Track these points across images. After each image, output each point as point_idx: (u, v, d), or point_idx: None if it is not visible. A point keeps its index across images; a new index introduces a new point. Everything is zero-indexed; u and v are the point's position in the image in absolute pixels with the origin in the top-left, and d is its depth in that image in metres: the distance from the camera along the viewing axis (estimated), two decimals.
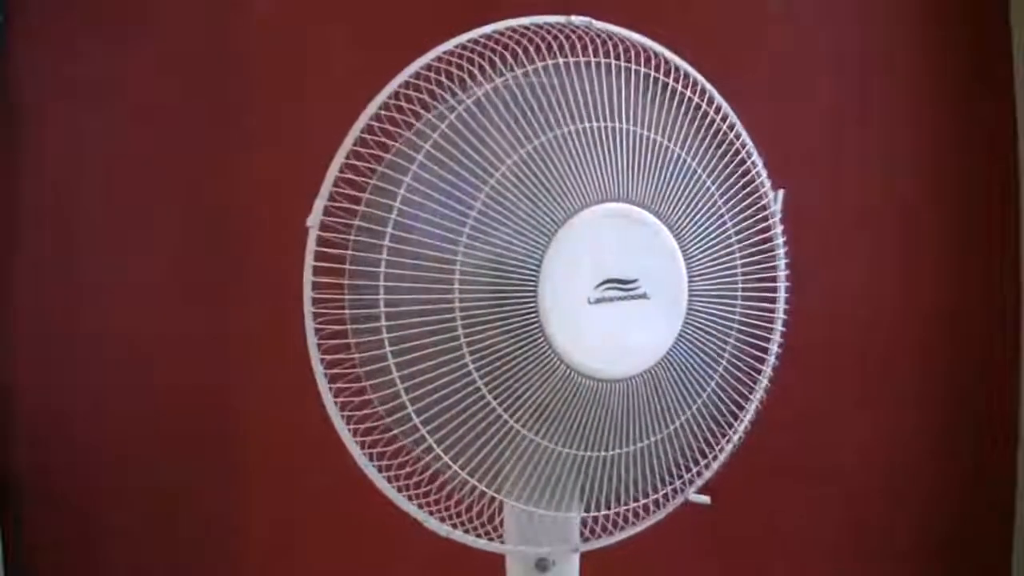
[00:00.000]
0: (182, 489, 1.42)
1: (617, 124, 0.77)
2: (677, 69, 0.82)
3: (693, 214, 0.79)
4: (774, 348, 0.86)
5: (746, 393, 0.85)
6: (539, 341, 0.74)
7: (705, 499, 0.86)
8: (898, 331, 1.39)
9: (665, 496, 0.83)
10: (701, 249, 0.80)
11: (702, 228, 0.80)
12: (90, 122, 1.41)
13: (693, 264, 0.79)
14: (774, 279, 0.86)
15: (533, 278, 0.74)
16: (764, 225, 0.85)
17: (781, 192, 0.87)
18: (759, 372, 0.85)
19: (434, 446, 0.75)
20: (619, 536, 0.82)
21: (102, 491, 1.42)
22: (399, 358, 0.73)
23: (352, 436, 0.76)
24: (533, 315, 0.74)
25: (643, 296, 0.77)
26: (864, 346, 1.39)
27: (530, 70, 0.76)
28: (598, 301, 0.76)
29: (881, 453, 1.40)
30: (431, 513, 0.78)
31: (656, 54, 0.81)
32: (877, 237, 1.39)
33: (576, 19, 0.79)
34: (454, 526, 0.78)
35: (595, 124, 0.76)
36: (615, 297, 0.76)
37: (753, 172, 0.84)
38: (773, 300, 0.85)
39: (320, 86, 1.39)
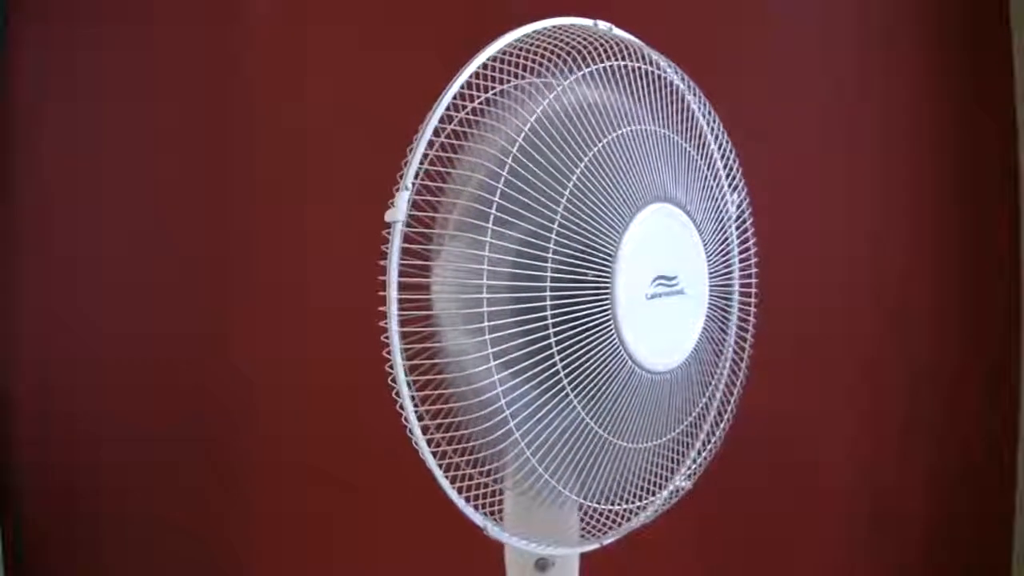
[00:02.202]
0: (182, 489, 1.43)
1: (651, 127, 0.80)
2: (675, 70, 0.84)
3: (710, 216, 0.84)
4: (749, 339, 0.90)
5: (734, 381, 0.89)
6: (611, 335, 0.75)
7: (688, 484, 0.88)
8: (898, 330, 1.41)
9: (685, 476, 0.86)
10: (714, 249, 0.84)
11: (716, 229, 0.84)
12: (89, 122, 1.42)
13: (710, 262, 0.84)
14: (750, 276, 0.90)
15: (609, 273, 0.75)
16: (745, 227, 0.88)
17: (736, 195, 0.90)
18: (741, 362, 0.89)
19: (525, 449, 0.75)
20: (623, 531, 0.84)
21: (102, 491, 1.43)
22: (498, 359, 0.72)
23: (428, 446, 0.73)
24: (608, 311, 0.75)
25: (681, 292, 0.81)
26: (863, 344, 1.41)
27: (587, 73, 0.78)
28: (652, 296, 0.78)
29: (880, 452, 1.41)
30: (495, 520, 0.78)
31: (653, 60, 0.83)
32: (876, 236, 1.41)
33: (601, 24, 0.82)
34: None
35: (640, 127, 0.79)
36: (663, 293, 0.79)
37: (739, 176, 0.88)
38: (749, 295, 0.90)
39: (321, 86, 1.40)
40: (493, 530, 0.77)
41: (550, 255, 0.73)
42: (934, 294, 1.40)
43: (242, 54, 1.43)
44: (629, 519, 0.84)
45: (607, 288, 0.75)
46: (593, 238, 0.75)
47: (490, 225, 0.72)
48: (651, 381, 0.79)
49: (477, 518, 0.76)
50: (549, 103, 0.75)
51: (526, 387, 0.74)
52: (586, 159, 0.75)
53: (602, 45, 0.80)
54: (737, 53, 1.37)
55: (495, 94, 0.75)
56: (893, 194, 1.40)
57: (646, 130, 0.79)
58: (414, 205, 0.72)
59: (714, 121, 0.87)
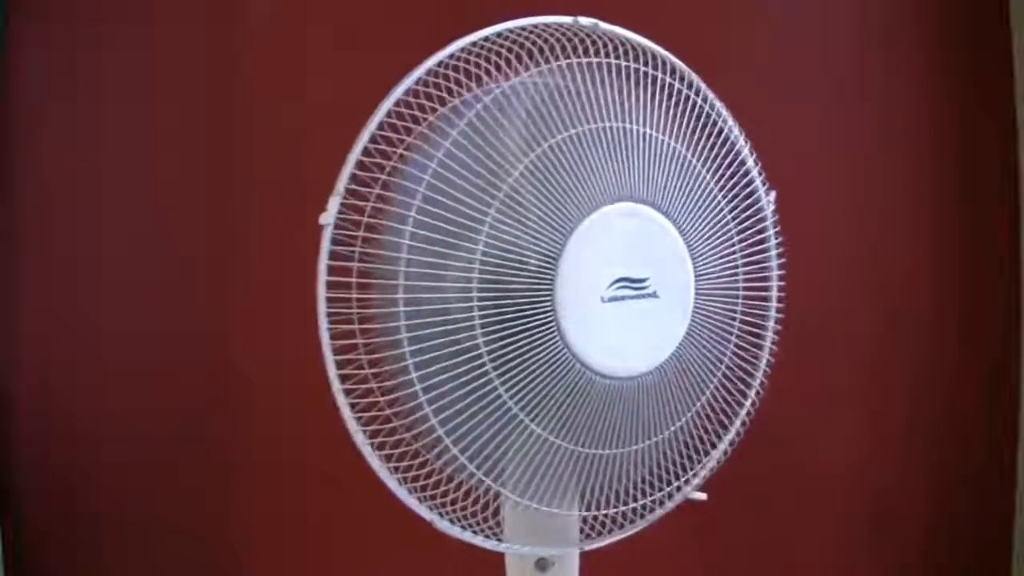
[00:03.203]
0: (182, 489, 1.44)
1: (627, 124, 0.79)
2: (675, 70, 0.84)
3: (698, 214, 0.82)
4: (767, 346, 0.89)
5: (744, 390, 0.88)
6: (555, 339, 0.76)
7: (701, 496, 0.89)
8: (897, 330, 1.41)
9: (666, 495, 0.85)
10: (706, 249, 0.83)
11: (707, 228, 0.83)
12: (89, 122, 1.42)
13: (699, 263, 0.83)
14: (768, 279, 0.89)
15: (550, 276, 0.76)
16: (762, 226, 0.88)
17: (773, 194, 0.91)
18: (756, 369, 0.89)
19: (451, 446, 0.77)
20: (619, 535, 0.84)
21: (102, 491, 1.44)
22: (417, 358, 0.75)
23: (366, 438, 0.77)
24: (550, 313, 0.76)
25: (653, 295, 0.80)
26: (863, 344, 1.42)
27: (544, 69, 0.78)
28: (611, 300, 0.78)
29: (879, 452, 1.42)
30: (442, 515, 0.79)
31: (655, 55, 0.83)
32: (876, 236, 1.41)
33: (583, 20, 0.81)
34: (462, 527, 0.80)
35: (607, 124, 0.78)
36: (627, 296, 0.79)
37: (752, 173, 0.87)
38: (768, 300, 0.89)
39: (321, 86, 1.41)
40: (441, 524, 0.79)
41: (478, 256, 0.74)
42: (934, 294, 1.41)
43: (242, 54, 1.44)
44: (633, 521, 0.85)
45: (547, 290, 0.75)
46: (529, 240, 0.75)
47: (409, 227, 0.74)
48: (612, 387, 0.79)
49: (424, 511, 0.79)
50: (486, 104, 0.76)
51: (451, 384, 0.75)
52: (527, 160, 0.75)
53: (582, 42, 0.80)
54: (736, 53, 1.38)
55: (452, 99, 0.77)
56: (893, 194, 1.40)
57: (614, 128, 0.78)
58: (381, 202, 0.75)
59: (723, 121, 0.86)
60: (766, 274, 0.89)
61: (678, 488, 0.86)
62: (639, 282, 0.80)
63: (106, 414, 1.43)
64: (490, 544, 0.82)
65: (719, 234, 0.84)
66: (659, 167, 0.81)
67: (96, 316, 1.44)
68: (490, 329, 0.75)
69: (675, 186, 0.81)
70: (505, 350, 0.75)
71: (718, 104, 0.86)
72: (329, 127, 1.40)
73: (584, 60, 0.80)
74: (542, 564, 0.86)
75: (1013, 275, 1.38)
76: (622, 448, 0.81)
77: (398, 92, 0.77)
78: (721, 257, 0.84)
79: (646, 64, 0.83)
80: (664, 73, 0.83)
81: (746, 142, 0.87)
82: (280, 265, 1.41)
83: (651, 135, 0.80)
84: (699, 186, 0.83)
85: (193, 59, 1.43)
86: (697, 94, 0.85)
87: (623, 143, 0.79)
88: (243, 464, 1.45)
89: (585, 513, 0.83)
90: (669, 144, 0.81)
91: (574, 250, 0.76)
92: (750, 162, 0.87)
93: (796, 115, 1.38)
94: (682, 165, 0.82)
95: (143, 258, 1.44)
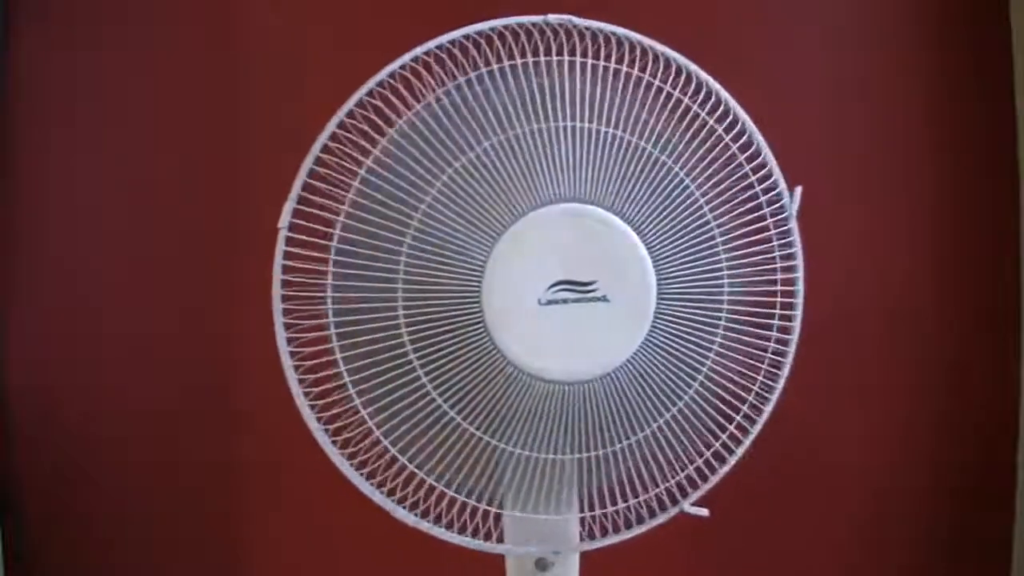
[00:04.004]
0: (183, 489, 1.43)
1: (579, 123, 0.76)
2: (657, 60, 0.80)
3: (665, 214, 0.77)
4: (768, 357, 0.83)
5: (735, 403, 0.82)
6: (484, 342, 0.75)
7: (703, 511, 0.84)
8: (896, 330, 1.39)
9: (659, 505, 0.82)
10: (674, 251, 0.77)
11: (676, 230, 0.78)
12: (89, 122, 1.43)
13: (664, 267, 0.77)
14: (774, 283, 0.83)
15: (476, 279, 0.74)
16: (760, 225, 0.81)
17: (798, 190, 0.85)
18: (750, 383, 0.82)
19: (389, 447, 0.79)
20: (619, 537, 0.83)
21: (102, 492, 1.44)
22: (349, 364, 0.77)
23: (328, 439, 0.82)
24: (477, 315, 0.74)
25: (602, 299, 0.75)
26: (861, 345, 1.39)
27: (484, 73, 0.77)
28: (550, 303, 0.75)
29: (879, 453, 1.40)
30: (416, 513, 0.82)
31: (637, 46, 0.80)
32: (875, 236, 1.39)
33: (552, 17, 0.79)
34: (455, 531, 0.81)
35: (552, 124, 0.76)
36: (569, 299, 0.75)
37: (746, 170, 0.81)
38: (771, 306, 0.82)
39: (321, 85, 1.38)
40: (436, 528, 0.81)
41: (403, 258, 0.74)
42: (934, 294, 1.38)
43: (243, 54, 1.43)
44: (630, 527, 0.83)
45: (474, 291, 0.74)
46: (455, 241, 0.74)
47: (336, 232, 0.77)
48: (554, 391, 0.76)
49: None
50: (426, 107, 0.76)
51: (381, 379, 0.76)
52: (457, 164, 0.75)
53: (544, 41, 0.78)
54: (736, 53, 1.35)
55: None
56: (892, 194, 1.38)
57: (550, 128, 0.75)
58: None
59: (717, 114, 0.81)
60: (765, 278, 0.82)
61: (667, 499, 0.83)
62: (584, 285, 0.75)
63: (106, 414, 1.44)
64: (488, 546, 0.82)
65: (694, 236, 0.78)
66: (617, 166, 0.76)
67: (96, 315, 1.44)
68: (415, 328, 0.75)
69: (636, 185, 0.77)
70: (431, 349, 0.75)
71: (722, 92, 0.81)
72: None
73: (546, 59, 0.78)
74: (542, 564, 0.85)
75: (1013, 275, 1.37)
76: (577, 454, 0.78)
77: (353, 100, 0.80)
78: (695, 260, 0.78)
79: (619, 62, 0.79)
80: (636, 68, 0.79)
81: (740, 137, 0.81)
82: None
83: (610, 132, 0.76)
84: (670, 184, 0.77)
85: (194, 59, 1.43)
86: (676, 86, 0.80)
87: (571, 143, 0.76)
88: (244, 466, 1.44)
89: (547, 517, 0.81)
90: (632, 141, 0.77)
91: (505, 252, 0.74)
92: (747, 155, 0.81)
93: (795, 115, 1.36)
94: (648, 162, 0.77)
95: (143, 258, 1.43)
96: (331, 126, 0.79)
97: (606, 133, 0.76)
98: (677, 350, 0.78)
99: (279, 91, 1.41)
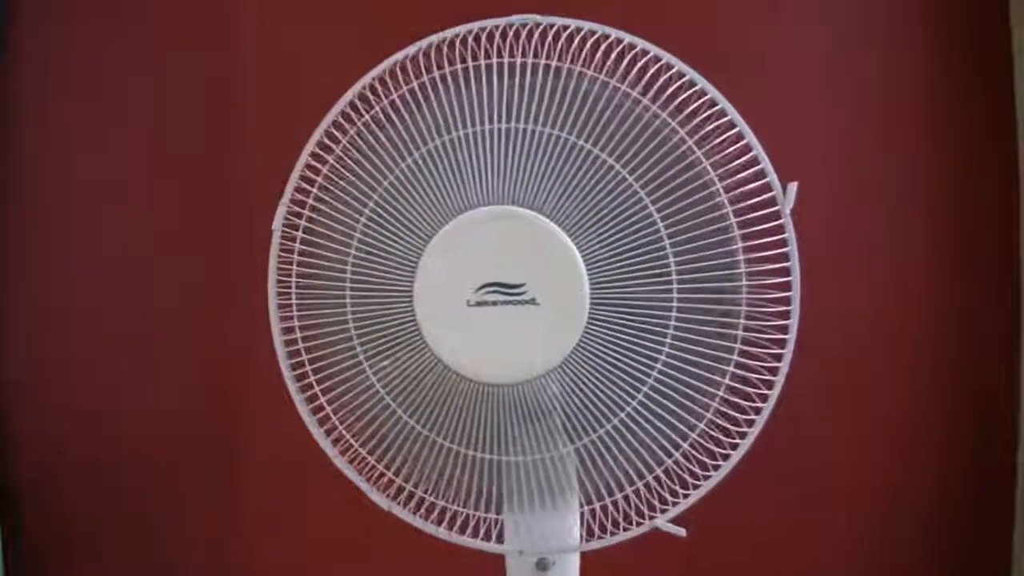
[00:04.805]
0: (182, 490, 1.46)
1: (517, 125, 0.77)
2: (624, 54, 0.78)
3: (602, 216, 0.76)
4: (729, 371, 0.78)
5: (690, 419, 0.78)
6: (416, 340, 0.78)
7: (679, 531, 0.81)
8: (895, 332, 1.38)
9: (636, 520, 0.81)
10: (612, 255, 0.76)
11: (615, 232, 0.76)
12: (90, 122, 1.45)
13: (599, 271, 0.76)
14: (733, 291, 0.78)
15: (409, 279, 0.78)
16: (722, 225, 0.77)
17: (793, 186, 0.79)
18: (709, 397, 0.78)
19: (345, 432, 0.84)
20: (619, 538, 0.82)
21: (102, 494, 1.48)
22: (315, 364, 0.84)
23: (325, 436, 0.86)
24: (411, 315, 0.78)
25: (530, 302, 0.76)
26: (861, 346, 1.38)
27: (437, 76, 0.80)
28: (479, 304, 0.77)
29: (878, 453, 1.39)
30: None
31: (607, 35, 0.79)
32: (874, 237, 1.38)
33: (516, 18, 0.80)
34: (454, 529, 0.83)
35: (488, 127, 0.77)
36: (498, 301, 0.76)
37: (703, 165, 0.77)
38: (728, 315, 0.77)
39: (322, 84, 1.37)
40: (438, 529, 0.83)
41: (352, 253, 0.79)
42: (934, 293, 1.37)
43: (243, 53, 1.44)
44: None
45: (408, 292, 0.77)
46: (391, 242, 0.78)
47: (299, 233, 0.83)
48: (485, 392, 0.77)
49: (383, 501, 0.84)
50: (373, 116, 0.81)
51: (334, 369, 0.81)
52: (402, 166, 0.78)
53: (506, 43, 0.79)
54: (736, 52, 1.34)
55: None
56: (892, 194, 1.38)
57: (487, 131, 0.77)
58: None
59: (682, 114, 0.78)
60: (729, 284, 0.77)
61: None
62: (513, 287, 0.76)
63: (106, 414, 1.47)
64: (489, 546, 0.83)
65: (637, 240, 0.76)
66: (554, 169, 0.76)
67: (97, 315, 1.46)
68: (361, 323, 0.80)
69: (573, 187, 0.76)
70: (376, 343, 0.79)
71: (702, 83, 0.78)
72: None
73: (496, 61, 0.79)
74: (542, 564, 0.86)
75: (1013, 275, 1.36)
76: (517, 457, 0.79)
77: (341, 104, 0.84)
78: (638, 265, 0.76)
79: (573, 61, 0.78)
80: (590, 66, 0.78)
81: (705, 140, 0.77)
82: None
83: (550, 134, 0.77)
84: (613, 187, 0.76)
85: (193, 58, 1.45)
86: (635, 87, 0.77)
87: (506, 145, 0.77)
88: (244, 468, 1.46)
89: (484, 515, 0.83)
90: (573, 142, 0.76)
91: (436, 252, 0.77)
92: (699, 153, 0.77)
93: (794, 115, 1.35)
94: (589, 163, 0.76)
95: (143, 257, 1.46)
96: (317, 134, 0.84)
97: (541, 133, 0.76)
98: (615, 358, 0.76)
99: (281, 89, 1.41)
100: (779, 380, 0.79)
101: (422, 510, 0.83)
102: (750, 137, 0.78)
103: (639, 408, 0.77)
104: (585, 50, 0.78)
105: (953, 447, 1.38)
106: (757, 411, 0.79)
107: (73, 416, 1.48)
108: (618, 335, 0.76)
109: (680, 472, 0.80)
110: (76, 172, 1.47)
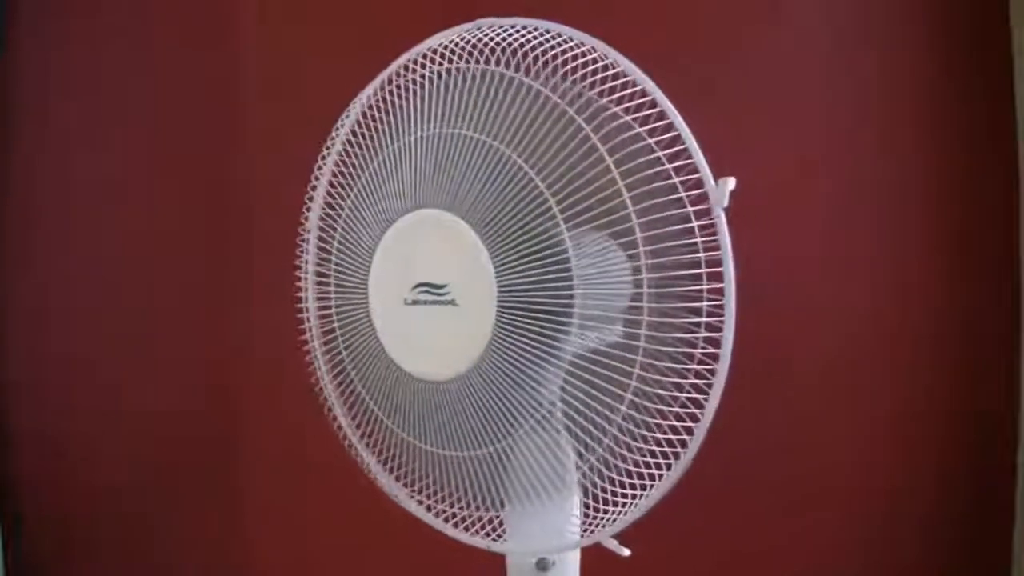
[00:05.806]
0: (181, 490, 1.48)
1: (446, 130, 0.79)
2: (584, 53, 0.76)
3: (508, 218, 0.75)
4: (637, 373, 0.73)
5: (602, 424, 0.74)
6: (369, 334, 0.84)
7: (623, 551, 0.79)
8: (895, 332, 1.36)
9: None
10: (516, 259, 0.75)
11: (520, 235, 0.75)
12: (89, 122, 1.46)
13: (506, 275, 0.75)
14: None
15: (363, 274, 0.83)
16: (627, 226, 0.72)
17: (731, 181, 0.71)
18: (618, 401, 0.73)
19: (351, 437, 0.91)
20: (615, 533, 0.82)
21: (102, 494, 1.50)
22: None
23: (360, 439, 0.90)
24: (364, 310, 0.84)
25: (451, 303, 0.78)
26: (861, 346, 1.36)
27: (404, 81, 0.84)
28: (413, 303, 0.80)
29: (878, 453, 1.38)
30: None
31: (559, 34, 0.77)
32: (875, 236, 1.35)
33: (482, 21, 0.81)
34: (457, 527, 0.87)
35: (430, 132, 0.80)
36: (427, 300, 0.79)
37: (607, 163, 0.72)
38: (635, 325, 0.72)
39: (321, 84, 1.28)
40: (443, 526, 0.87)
41: (334, 248, 0.86)
42: (934, 293, 1.35)
43: (243, 53, 1.42)
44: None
45: (363, 288, 0.83)
46: (354, 241, 0.84)
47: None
48: (423, 388, 0.80)
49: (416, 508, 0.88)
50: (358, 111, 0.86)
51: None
52: (365, 173, 0.83)
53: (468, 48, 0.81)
54: (736, 52, 1.33)
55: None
56: (891, 194, 1.35)
57: (428, 136, 0.79)
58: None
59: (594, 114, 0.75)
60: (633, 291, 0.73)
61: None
62: (438, 288, 0.79)
63: (106, 414, 1.49)
64: (490, 545, 0.85)
65: (540, 243, 0.74)
66: (475, 173, 0.77)
67: (97, 316, 1.48)
68: (342, 318, 0.87)
69: (486, 191, 0.76)
70: (351, 336, 0.86)
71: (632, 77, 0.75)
72: (330, 124, 1.37)
73: (448, 68, 0.81)
74: (542, 564, 0.87)
75: (1013, 275, 1.34)
76: (451, 451, 0.81)
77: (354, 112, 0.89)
78: (540, 269, 0.74)
79: (506, 66, 0.78)
80: (519, 71, 0.77)
81: (620, 133, 0.73)
82: (280, 262, 1.33)
83: (475, 138, 0.77)
84: (520, 189, 0.75)
85: (193, 58, 1.44)
86: (561, 93, 0.75)
87: (443, 149, 0.79)
88: (244, 467, 1.45)
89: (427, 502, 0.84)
90: (492, 146, 0.77)
91: (384, 251, 0.82)
92: (609, 161, 0.72)
93: (794, 115, 1.35)
94: (504, 167, 0.76)
95: (143, 257, 1.46)
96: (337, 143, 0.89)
97: (470, 138, 0.77)
98: (528, 360, 0.74)
99: (281, 89, 1.40)
100: (712, 399, 0.71)
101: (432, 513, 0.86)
102: (683, 130, 0.71)
103: (547, 416, 0.75)
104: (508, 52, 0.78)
105: (953, 447, 1.37)
106: (690, 430, 0.72)
107: (73, 416, 1.51)
108: (522, 340, 0.75)
109: (613, 487, 0.76)
110: (76, 172, 1.50)
